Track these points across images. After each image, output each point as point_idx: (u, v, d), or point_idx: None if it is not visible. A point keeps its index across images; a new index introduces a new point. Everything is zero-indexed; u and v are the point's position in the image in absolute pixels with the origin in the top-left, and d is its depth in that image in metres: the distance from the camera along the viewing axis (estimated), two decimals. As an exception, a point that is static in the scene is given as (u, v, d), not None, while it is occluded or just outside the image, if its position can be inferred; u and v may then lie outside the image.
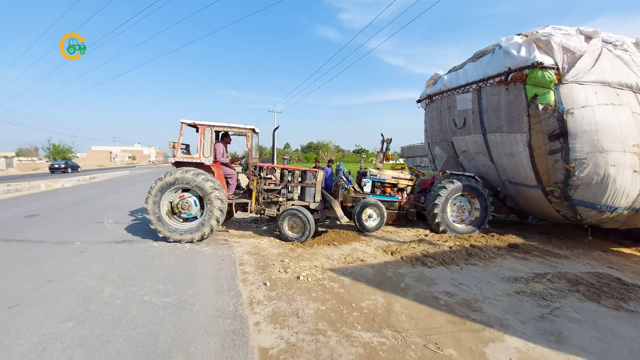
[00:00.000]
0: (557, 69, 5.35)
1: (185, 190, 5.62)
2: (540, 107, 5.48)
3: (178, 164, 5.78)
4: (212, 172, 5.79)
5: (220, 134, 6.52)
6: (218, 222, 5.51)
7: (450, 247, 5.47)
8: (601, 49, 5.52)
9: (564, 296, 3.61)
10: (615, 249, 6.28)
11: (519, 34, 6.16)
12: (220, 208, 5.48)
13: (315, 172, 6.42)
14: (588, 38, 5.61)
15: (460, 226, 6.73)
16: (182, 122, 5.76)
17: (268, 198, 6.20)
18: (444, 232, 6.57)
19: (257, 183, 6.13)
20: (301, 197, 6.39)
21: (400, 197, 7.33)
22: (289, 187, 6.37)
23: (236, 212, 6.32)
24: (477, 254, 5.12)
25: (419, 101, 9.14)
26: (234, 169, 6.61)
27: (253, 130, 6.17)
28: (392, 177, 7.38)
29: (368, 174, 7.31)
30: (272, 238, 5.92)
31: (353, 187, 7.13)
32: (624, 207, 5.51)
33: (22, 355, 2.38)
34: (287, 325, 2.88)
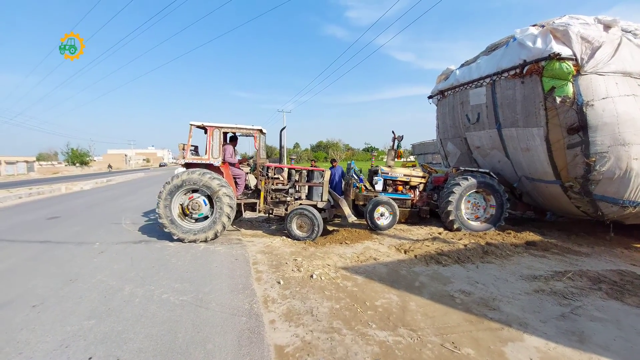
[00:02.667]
0: (576, 59, 5.17)
1: (194, 191, 5.72)
2: (558, 99, 5.30)
3: (188, 166, 5.89)
4: (221, 173, 5.88)
5: (229, 135, 6.61)
6: (229, 218, 5.60)
7: (465, 245, 5.37)
8: (621, 38, 5.30)
9: (585, 295, 3.50)
10: (637, 245, 6.03)
11: (534, 25, 5.98)
12: (230, 204, 5.57)
13: (322, 171, 6.43)
14: (607, 27, 5.38)
15: (475, 224, 6.60)
16: (191, 124, 5.86)
17: (276, 198, 6.25)
18: (458, 229, 6.46)
19: (265, 183, 6.19)
20: (309, 197, 6.41)
21: (412, 195, 7.26)
22: (297, 186, 6.39)
23: (245, 212, 6.40)
24: (493, 251, 5.01)
25: (430, 97, 9.00)
26: (242, 170, 6.69)
27: (260, 131, 6.23)
28: (404, 175, 7.30)
29: (379, 172, 7.26)
30: (284, 237, 5.96)
31: (364, 186, 7.10)
32: (649, 202, 5.27)
33: (47, 352, 2.48)
34: (302, 323, 2.90)
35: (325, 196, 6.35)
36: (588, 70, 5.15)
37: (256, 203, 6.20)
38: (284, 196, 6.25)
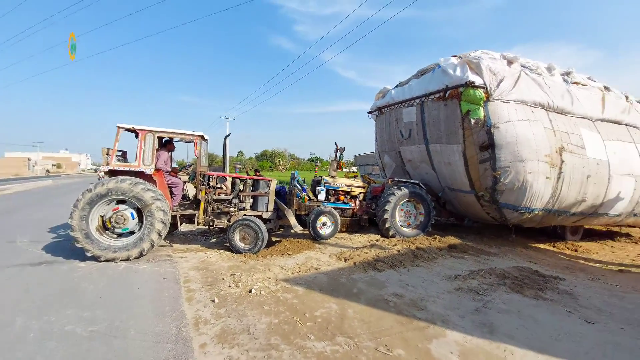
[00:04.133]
0: (486, 88, 6.08)
1: (120, 202, 5.06)
2: (473, 121, 6.15)
3: (112, 173, 5.19)
4: (154, 182, 5.31)
5: (164, 140, 6.06)
6: (160, 235, 5.05)
7: (399, 251, 5.76)
8: (520, 72, 6.44)
9: (494, 290, 4.03)
10: (534, 245, 7.25)
11: (454, 56, 6.89)
12: (163, 220, 5.03)
13: (269, 180, 6.30)
14: (510, 62, 6.51)
15: (407, 230, 7.14)
16: (118, 127, 5.21)
17: (218, 208, 5.88)
18: (393, 236, 6.92)
19: (206, 193, 5.79)
20: (253, 207, 6.20)
21: (353, 204, 7.55)
22: (241, 196, 6.14)
23: (181, 224, 5.86)
24: (422, 255, 5.47)
25: (369, 112, 9.62)
26: (180, 178, 6.16)
27: (202, 137, 5.85)
28: (346, 185, 7.57)
29: (322, 182, 7.40)
30: (222, 251, 5.61)
31: (308, 196, 7.15)
32: (539, 209, 6.39)
33: None
34: (237, 343, 2.72)
35: (271, 206, 6.20)
36: (495, 98, 6.10)
37: (194, 215, 5.73)
38: (227, 207, 5.91)
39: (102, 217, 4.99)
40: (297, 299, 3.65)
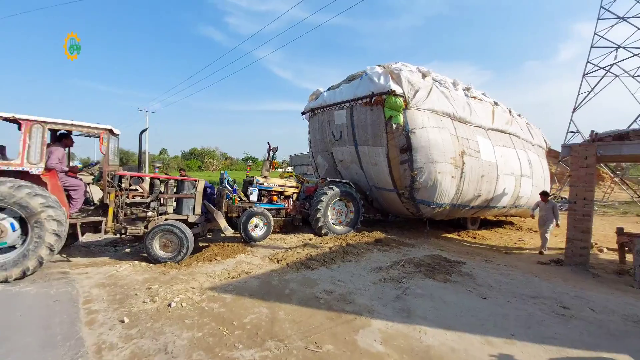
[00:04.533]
0: (405, 97, 6.75)
1: None
2: (394, 126, 6.76)
3: None
4: (43, 184, 4.36)
5: (59, 134, 5.05)
6: (52, 251, 4.16)
7: (330, 248, 5.96)
8: (432, 85, 7.33)
9: (411, 277, 4.49)
10: (444, 235, 8.36)
11: (379, 65, 7.46)
12: (57, 232, 4.15)
13: (195, 181, 5.81)
14: (424, 75, 7.36)
15: (338, 228, 7.45)
16: None
17: (132, 214, 5.16)
18: (325, 234, 7.12)
19: (116, 196, 5.01)
20: (177, 211, 5.64)
21: (286, 205, 7.51)
22: (162, 199, 5.52)
23: (83, 234, 4.95)
24: (351, 251, 5.77)
25: (303, 113, 9.73)
26: (81, 179, 5.21)
27: (110, 131, 5.05)
28: (279, 185, 7.49)
29: (254, 182, 7.17)
30: (136, 262, 4.94)
31: (239, 197, 6.83)
32: (447, 204, 7.39)
33: None
34: (152, 365, 2.42)
35: (199, 209, 5.71)
36: (412, 106, 6.82)
37: (101, 222, 4.89)
38: (144, 211, 5.21)
39: None
40: (225, 308, 3.44)
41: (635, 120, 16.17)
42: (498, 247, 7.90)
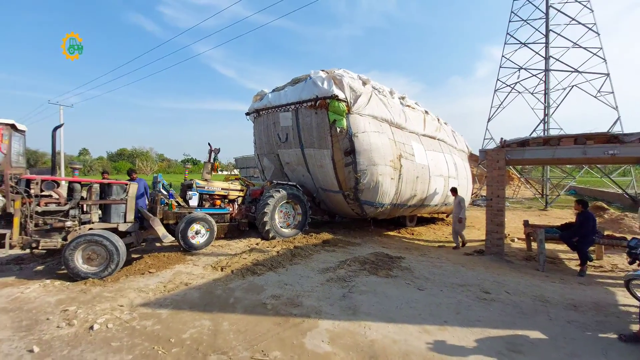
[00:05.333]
0: (347, 102, 7.04)
1: None
2: (338, 129, 6.99)
3: None
4: None
5: None
6: None
7: (278, 252, 5.88)
8: (372, 92, 7.77)
9: (357, 275, 4.68)
10: (386, 233, 8.90)
11: (323, 70, 7.64)
12: None
13: (126, 184, 5.19)
14: (364, 83, 7.75)
15: (286, 230, 7.40)
16: None
17: (45, 224, 4.39)
18: (273, 238, 7.01)
19: (24, 204, 4.21)
20: (105, 218, 4.97)
21: (231, 209, 7.19)
22: (84, 206, 4.81)
23: None
24: (299, 253, 5.78)
25: (247, 114, 9.44)
26: None
27: (13, 126, 4.24)
28: (222, 189, 7.14)
29: (194, 185, 6.72)
30: (48, 281, 4.20)
31: (176, 202, 6.32)
32: (388, 204, 7.91)
33: None
34: (68, 400, 2.08)
35: (131, 216, 5.09)
36: (354, 111, 7.14)
37: (4, 235, 4.04)
38: (61, 220, 4.46)
39: None
40: (160, 324, 3.13)
41: (534, 130, 19.46)
42: (432, 241, 8.72)
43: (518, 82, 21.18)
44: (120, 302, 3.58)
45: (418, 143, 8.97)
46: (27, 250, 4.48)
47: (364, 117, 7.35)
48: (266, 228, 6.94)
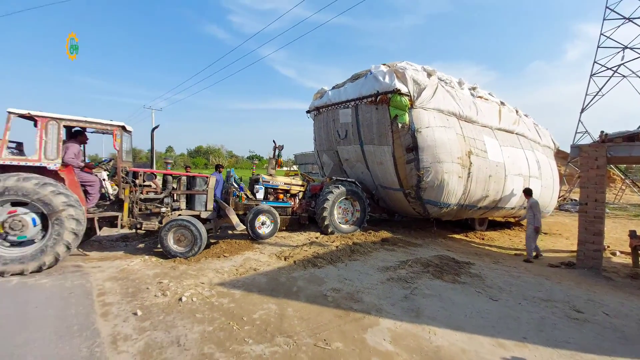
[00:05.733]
0: (410, 96, 6.73)
1: (19, 203, 4.13)
2: (400, 125, 6.75)
3: (3, 168, 4.20)
4: (61, 179, 4.46)
5: (74, 130, 5.15)
6: (69, 248, 4.27)
7: (337, 247, 5.98)
8: (437, 84, 7.29)
9: (419, 277, 4.49)
10: (451, 235, 8.32)
11: (384, 64, 7.44)
12: (75, 231, 4.27)
13: (207, 177, 5.89)
14: (429, 74, 7.31)
15: (345, 226, 7.46)
16: (9, 112, 4.23)
17: (146, 209, 5.27)
18: (332, 233, 7.14)
19: (131, 192, 5.11)
20: (190, 206, 5.72)
21: (292, 203, 7.55)
22: (174, 195, 5.60)
23: (101, 229, 5.06)
24: (358, 250, 5.78)
25: (308, 112, 9.75)
26: (96, 175, 5.32)
27: (123, 127, 5.15)
28: (285, 183, 7.53)
29: (260, 180, 7.23)
30: (147, 257, 5.03)
31: (245, 194, 6.89)
32: (454, 204, 7.36)
33: None
34: (165, 358, 2.47)
35: (210, 205, 5.78)
36: (417, 105, 6.80)
37: (117, 217, 5.00)
38: (158, 207, 5.31)
39: None
40: (234, 303, 3.49)
41: (645, 121, 15.94)
42: (507, 248, 7.84)
43: (622, 64, 17.44)
44: (202, 280, 4.09)
45: (492, 138, 8.12)
46: (132, 230, 5.41)
47: (429, 111, 6.94)
48: (325, 223, 7.11)
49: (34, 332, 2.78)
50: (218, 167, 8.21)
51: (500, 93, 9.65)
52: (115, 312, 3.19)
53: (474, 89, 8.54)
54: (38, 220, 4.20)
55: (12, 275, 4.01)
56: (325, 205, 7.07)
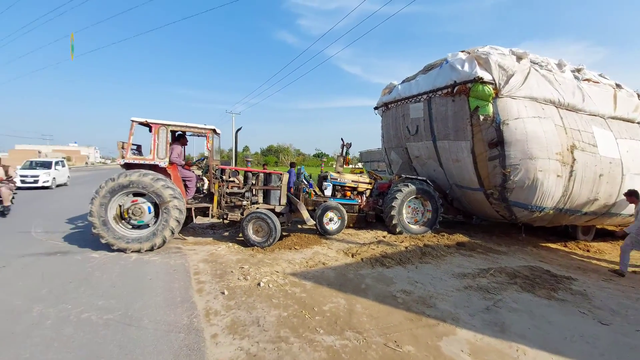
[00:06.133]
0: (495, 84, 5.98)
1: (139, 194, 5.13)
2: (481, 117, 6.07)
3: (128, 166, 5.27)
4: (168, 175, 5.38)
5: (177, 134, 6.12)
6: (173, 233, 5.13)
7: (406, 247, 5.75)
8: (529, 68, 6.31)
9: (504, 288, 4.00)
10: (544, 244, 7.16)
11: (463, 51, 6.78)
12: (178, 219, 5.10)
13: (281, 174, 6.33)
14: (519, 58, 6.37)
15: (414, 227, 7.12)
16: (132, 121, 5.28)
17: (231, 202, 5.95)
18: (400, 233, 6.89)
19: (220, 186, 5.85)
20: (266, 201, 6.24)
21: (359, 200, 7.54)
22: (253, 190, 6.18)
23: (196, 217, 5.94)
24: (430, 252, 5.45)
25: (376, 108, 9.55)
26: (193, 172, 6.23)
27: (214, 130, 5.90)
28: (352, 181, 7.56)
29: (329, 177, 7.40)
30: (230, 244, 5.66)
31: (314, 191, 7.15)
32: (550, 207, 6.30)
33: None
34: (247, 335, 2.75)
35: (284, 200, 6.24)
36: (504, 94, 6.00)
37: (208, 208, 5.80)
38: (240, 200, 5.97)
39: (120, 206, 5.08)
40: (305, 293, 3.67)
41: None
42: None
43: None
44: (276, 269, 4.41)
45: (604, 129, 6.68)
46: (219, 220, 6.15)
47: (518, 100, 6.06)
48: (393, 222, 6.90)
49: (148, 299, 3.41)
50: (292, 165, 8.75)
51: (614, 74, 7.83)
52: (207, 290, 3.69)
53: (578, 70, 7.16)
54: (152, 209, 5.15)
55: (132, 252, 4.99)
56: (393, 204, 6.85)
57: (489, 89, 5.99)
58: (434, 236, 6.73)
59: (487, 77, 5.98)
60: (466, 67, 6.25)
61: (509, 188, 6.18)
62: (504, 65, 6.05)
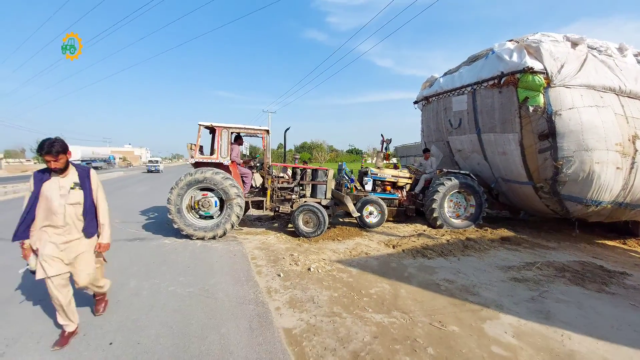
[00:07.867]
0: (546, 73, 5.73)
1: (209, 189, 5.86)
2: (531, 108, 5.87)
3: (197, 165, 6.03)
4: (230, 172, 6.06)
5: (234, 135, 6.79)
6: (232, 226, 5.78)
7: (448, 241, 5.82)
8: (586, 54, 5.94)
9: (551, 281, 3.98)
10: (601, 241, 6.72)
11: (510, 40, 6.54)
12: (238, 214, 5.75)
13: (326, 170, 6.73)
14: (574, 44, 6.01)
15: (456, 221, 7.09)
16: (199, 125, 6.01)
17: (281, 196, 6.49)
18: (440, 226, 6.93)
19: (272, 182, 6.41)
20: (313, 195, 6.68)
21: (399, 195, 7.67)
22: (302, 185, 6.65)
23: (248, 209, 6.54)
24: (472, 246, 5.48)
25: (415, 102, 9.50)
26: (249, 169, 6.88)
27: (267, 131, 6.46)
28: (392, 176, 7.71)
29: (369, 173, 7.63)
30: (278, 234, 6.19)
31: (355, 186, 7.44)
32: (608, 202, 5.92)
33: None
34: (305, 309, 3.17)
35: (329, 194, 6.64)
36: (557, 83, 5.73)
37: (262, 201, 6.41)
38: (289, 194, 6.49)
39: (192, 197, 5.86)
40: (352, 278, 4.01)
41: None
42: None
43: None
44: (323, 257, 4.81)
45: (675, 117, 6.05)
46: (273, 212, 6.71)
47: (573, 89, 5.75)
48: (434, 215, 6.95)
49: (219, 278, 3.99)
50: (341, 165, 9.19)
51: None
52: (265, 272, 4.20)
53: (644, 53, 6.52)
54: (218, 203, 5.84)
55: (196, 239, 5.71)
56: (435, 197, 6.90)
57: (539, 78, 5.76)
58: (477, 230, 6.68)
59: (537, 66, 5.75)
60: (514, 57, 6.05)
61: (561, 181, 5.92)
62: (556, 53, 5.78)
